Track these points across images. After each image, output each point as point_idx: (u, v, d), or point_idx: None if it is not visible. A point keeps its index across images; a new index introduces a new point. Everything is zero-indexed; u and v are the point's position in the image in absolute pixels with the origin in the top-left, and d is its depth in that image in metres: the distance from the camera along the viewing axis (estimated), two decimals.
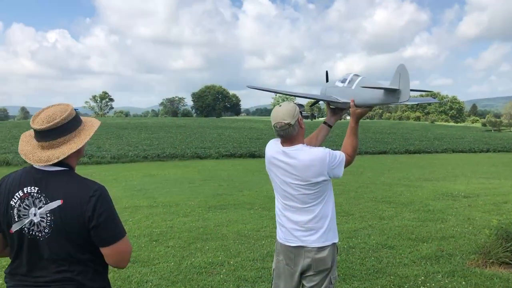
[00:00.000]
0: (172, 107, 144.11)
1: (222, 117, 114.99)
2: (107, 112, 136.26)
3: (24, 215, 1.81)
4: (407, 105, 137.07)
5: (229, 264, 5.35)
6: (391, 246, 6.13)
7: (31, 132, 1.95)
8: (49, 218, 1.79)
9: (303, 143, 2.69)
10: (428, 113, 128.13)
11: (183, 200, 10.00)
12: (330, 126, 3.14)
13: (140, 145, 28.52)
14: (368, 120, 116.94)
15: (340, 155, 2.65)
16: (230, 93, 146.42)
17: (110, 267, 1.99)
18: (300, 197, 2.64)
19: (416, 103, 3.31)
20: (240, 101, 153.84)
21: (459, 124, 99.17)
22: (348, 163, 2.71)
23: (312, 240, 2.64)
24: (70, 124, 1.91)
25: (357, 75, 2.91)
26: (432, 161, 23.31)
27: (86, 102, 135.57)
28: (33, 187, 1.83)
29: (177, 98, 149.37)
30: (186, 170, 18.51)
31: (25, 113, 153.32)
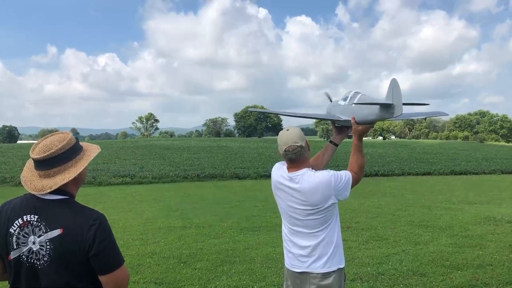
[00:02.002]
0: (215, 128, 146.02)
1: (264, 137, 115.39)
2: (153, 133, 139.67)
3: (23, 243, 1.85)
4: (442, 121, 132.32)
5: None
6: (422, 274, 5.92)
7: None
8: (48, 247, 1.83)
9: (309, 167, 2.70)
10: (477, 132, 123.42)
11: (216, 221, 10.07)
12: (336, 145, 3.13)
13: (182, 165, 28.99)
14: (414, 139, 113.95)
15: (345, 176, 2.66)
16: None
17: None
18: (307, 222, 2.65)
19: (424, 117, 3.24)
20: (281, 121, 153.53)
21: (510, 144, 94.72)
22: (355, 181, 2.72)
23: (317, 267, 2.64)
24: (67, 154, 1.95)
25: (357, 92, 2.92)
26: (478, 183, 22.35)
27: (133, 123, 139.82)
28: (33, 215, 1.87)
29: (220, 119, 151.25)
30: (223, 190, 18.65)
31: (75, 134, 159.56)
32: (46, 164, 1.91)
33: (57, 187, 1.89)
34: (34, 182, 1.92)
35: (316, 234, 2.65)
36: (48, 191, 1.89)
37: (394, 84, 2.48)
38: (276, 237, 8.36)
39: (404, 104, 2.60)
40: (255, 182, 23.17)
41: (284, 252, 2.84)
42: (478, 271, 5.99)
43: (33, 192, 1.90)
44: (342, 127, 3.13)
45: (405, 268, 6.16)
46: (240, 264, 6.46)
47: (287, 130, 2.69)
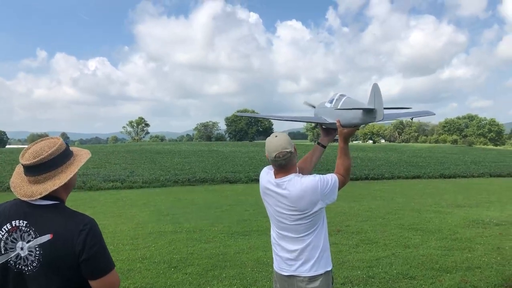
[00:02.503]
0: (206, 132, 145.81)
1: (255, 141, 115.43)
2: (143, 137, 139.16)
3: (11, 248, 1.84)
4: (432, 125, 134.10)
5: None
6: (412, 277, 5.96)
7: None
8: (38, 252, 1.81)
9: (296, 172, 2.73)
10: (465, 136, 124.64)
11: (207, 226, 10.05)
12: (324, 147, 3.15)
13: (172, 170, 28.91)
14: (403, 143, 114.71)
15: (331, 179, 2.68)
16: None
17: None
18: (294, 227, 2.68)
19: (411, 117, 3.29)
20: (272, 125, 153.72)
21: (498, 147, 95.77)
22: (342, 183, 2.75)
23: (304, 270, 2.68)
24: (57, 159, 1.94)
25: (342, 95, 2.95)
26: (467, 186, 22.58)
27: (124, 127, 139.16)
28: (22, 221, 1.86)
29: (211, 123, 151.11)
30: (214, 194, 18.63)
31: (65, 138, 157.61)
32: (36, 170, 1.90)
33: (47, 193, 1.88)
34: (23, 188, 1.91)
35: (303, 238, 2.68)
36: (38, 197, 1.88)
37: (375, 89, 2.52)
38: (267, 241, 8.34)
39: (386, 108, 2.65)
40: (246, 186, 23.19)
41: (273, 255, 2.87)
42: (467, 274, 6.05)
43: (22, 198, 1.89)
44: (329, 129, 3.16)
45: (395, 271, 6.20)
46: (231, 268, 6.46)
47: (276, 136, 2.70)
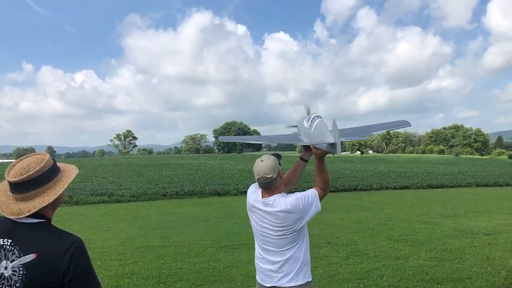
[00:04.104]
0: (194, 144, 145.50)
1: (244, 153, 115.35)
2: (131, 150, 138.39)
3: None
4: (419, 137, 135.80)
5: None
6: None
7: (7, 182, 1.94)
8: (21, 272, 1.76)
9: (280, 192, 2.96)
10: (452, 146, 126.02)
11: (196, 240, 9.94)
12: (306, 161, 3.30)
13: (160, 183, 28.69)
14: (391, 154, 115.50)
15: (312, 195, 2.92)
16: (251, 129, 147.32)
17: None
18: (277, 241, 2.89)
19: (387, 129, 3.65)
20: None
21: (484, 157, 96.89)
22: (323, 195, 2.99)
23: (285, 282, 2.91)
24: (45, 176, 1.90)
25: (317, 117, 3.15)
26: (454, 196, 22.71)
27: (111, 140, 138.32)
28: (6, 239, 1.81)
29: (199, 135, 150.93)
30: (203, 207, 18.48)
31: (51, 152, 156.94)
32: (23, 187, 1.85)
33: (36, 210, 1.84)
34: (10, 205, 1.85)
35: (285, 252, 2.89)
36: (27, 214, 1.83)
37: (335, 125, 2.70)
38: None
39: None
40: (235, 198, 23.06)
41: (256, 268, 3.08)
42: (457, 285, 6.05)
43: (9, 217, 1.84)
44: (308, 146, 3.29)
45: (386, 283, 6.17)
46: (221, 283, 6.38)
47: (262, 160, 2.92)
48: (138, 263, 7.78)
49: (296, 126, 3.64)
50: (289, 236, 2.85)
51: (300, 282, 2.88)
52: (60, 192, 1.93)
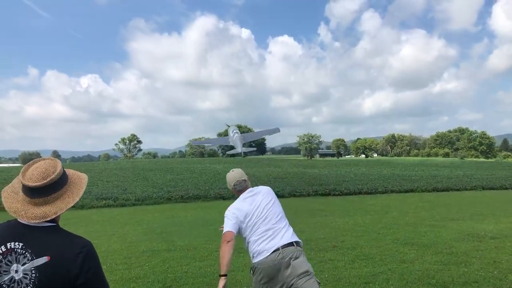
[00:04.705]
0: (198, 148, 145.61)
1: (248, 157, 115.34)
2: (136, 154, 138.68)
3: (4, 271, 1.80)
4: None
5: None
6: None
7: (14, 188, 1.96)
8: (33, 275, 1.78)
9: None
10: (457, 149, 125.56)
11: (201, 244, 9.95)
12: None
13: (165, 187, 28.72)
14: (395, 157, 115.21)
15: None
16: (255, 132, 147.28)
17: None
18: (277, 209, 3.71)
19: (263, 135, 4.91)
20: (265, 140, 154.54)
21: (490, 160, 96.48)
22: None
23: (295, 237, 3.66)
24: (62, 179, 1.95)
25: (236, 132, 5.12)
26: (460, 199, 22.63)
27: (116, 144, 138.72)
28: (17, 243, 1.83)
29: (203, 139, 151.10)
30: (208, 211, 18.48)
31: (56, 156, 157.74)
32: (45, 191, 1.89)
33: (62, 212, 1.90)
34: (30, 210, 1.87)
35: (283, 216, 3.68)
36: (53, 217, 1.88)
37: (241, 139, 3.75)
38: None
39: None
40: None
41: (261, 249, 3.45)
42: None
43: (32, 221, 1.85)
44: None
45: (392, 287, 6.15)
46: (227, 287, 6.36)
47: (233, 171, 3.88)
48: (143, 267, 7.79)
49: (229, 126, 4.92)
50: (278, 203, 3.73)
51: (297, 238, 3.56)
52: (81, 194, 2.00)
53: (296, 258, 3.33)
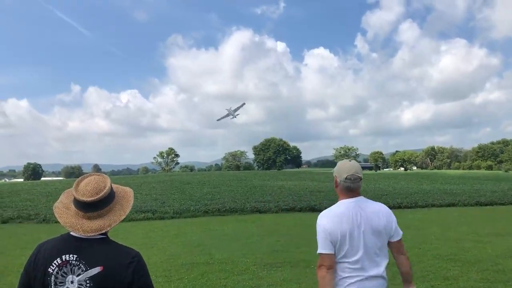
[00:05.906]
0: (234, 161, 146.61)
1: (284, 170, 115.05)
2: (173, 167, 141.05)
3: (61, 282, 1.90)
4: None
5: None
6: None
7: (64, 204, 2.07)
8: (88, 285, 1.88)
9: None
10: (501, 161, 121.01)
11: (239, 257, 9.99)
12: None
13: (202, 200, 29.01)
14: (435, 170, 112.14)
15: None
16: (291, 146, 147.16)
17: None
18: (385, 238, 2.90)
19: None
20: (301, 153, 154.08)
21: None
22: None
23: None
24: (111, 194, 2.06)
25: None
26: (506, 214, 21.74)
27: (154, 158, 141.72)
28: (72, 255, 1.93)
29: (239, 152, 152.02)
30: (245, 225, 18.53)
31: (97, 170, 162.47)
32: (98, 205, 1.99)
33: (115, 224, 2.01)
34: (85, 224, 1.97)
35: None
36: (108, 229, 1.99)
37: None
38: (300, 274, 8.24)
39: None
40: (276, 216, 22.98)
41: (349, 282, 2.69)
42: None
43: (87, 234, 1.95)
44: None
45: None
46: None
47: (350, 160, 2.87)
48: (183, 279, 7.90)
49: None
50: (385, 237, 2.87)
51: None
52: (131, 206, 2.12)
53: None
